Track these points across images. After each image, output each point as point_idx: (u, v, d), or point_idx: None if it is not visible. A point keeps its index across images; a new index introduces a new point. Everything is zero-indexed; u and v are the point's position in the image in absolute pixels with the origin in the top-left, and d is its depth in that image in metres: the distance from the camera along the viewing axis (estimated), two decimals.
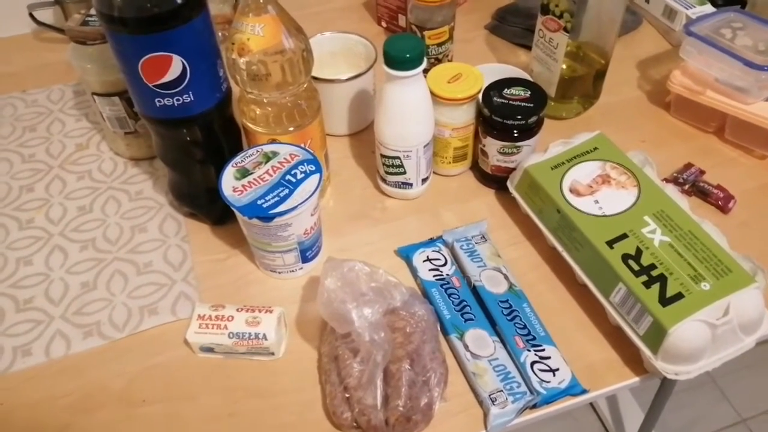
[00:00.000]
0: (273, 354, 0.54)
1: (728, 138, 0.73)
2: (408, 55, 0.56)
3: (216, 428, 0.51)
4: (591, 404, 1.36)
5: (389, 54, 0.56)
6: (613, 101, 0.80)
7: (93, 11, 0.66)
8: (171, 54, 0.50)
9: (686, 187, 0.68)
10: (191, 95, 0.53)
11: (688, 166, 0.70)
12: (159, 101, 0.53)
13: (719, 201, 0.66)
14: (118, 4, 0.48)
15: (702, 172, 0.69)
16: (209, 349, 0.54)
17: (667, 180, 0.68)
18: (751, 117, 0.69)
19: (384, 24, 0.93)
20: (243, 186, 0.54)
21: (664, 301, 0.50)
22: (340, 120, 0.74)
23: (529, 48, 0.87)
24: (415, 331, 0.51)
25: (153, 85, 0.52)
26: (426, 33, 0.78)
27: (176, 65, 0.51)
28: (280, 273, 0.60)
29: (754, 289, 0.50)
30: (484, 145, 0.66)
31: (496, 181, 0.68)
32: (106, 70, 0.65)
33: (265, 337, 0.53)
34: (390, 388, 0.49)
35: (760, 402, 1.37)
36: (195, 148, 0.59)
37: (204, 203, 0.64)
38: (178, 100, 0.53)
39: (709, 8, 0.87)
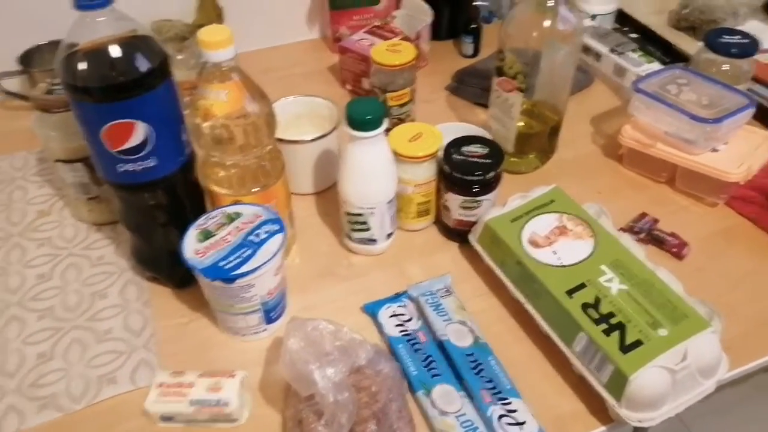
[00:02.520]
0: (236, 420, 0.53)
1: (679, 187, 0.76)
2: (369, 117, 0.58)
3: None
4: None
5: (351, 116, 0.58)
6: (569, 155, 0.83)
7: (56, 81, 0.67)
8: (134, 120, 0.51)
9: (642, 235, 0.70)
10: (154, 160, 0.54)
11: (643, 215, 0.73)
12: (121, 167, 0.53)
13: (674, 248, 0.68)
14: (82, 74, 0.49)
15: (656, 221, 0.72)
16: (169, 418, 0.53)
17: (623, 229, 0.70)
18: (699, 167, 0.72)
19: (348, 87, 0.96)
20: (205, 248, 0.54)
21: (624, 348, 0.50)
22: (306, 179, 0.75)
23: (487, 107, 0.91)
24: (380, 389, 0.50)
25: (115, 151, 0.52)
26: (388, 95, 0.81)
27: (139, 131, 0.52)
28: (243, 335, 0.59)
29: (709, 333, 0.51)
30: (446, 200, 0.67)
31: (459, 234, 0.69)
32: (69, 137, 0.65)
33: (226, 403, 0.51)
34: None
35: None
36: (158, 211, 0.59)
37: (166, 267, 0.64)
38: (140, 165, 0.54)
39: (656, 66, 0.92)
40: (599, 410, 0.54)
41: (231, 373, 0.53)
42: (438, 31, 1.04)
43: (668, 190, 0.77)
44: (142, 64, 0.50)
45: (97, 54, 0.49)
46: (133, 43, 0.50)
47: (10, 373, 0.58)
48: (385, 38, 0.92)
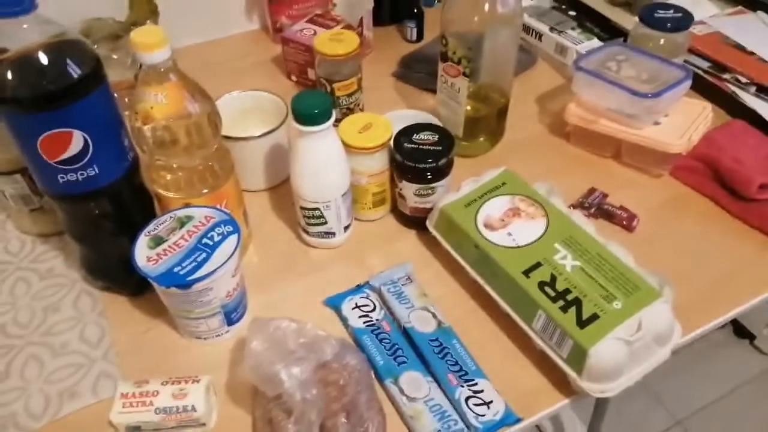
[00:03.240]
0: (204, 425, 0.52)
1: (625, 161, 0.79)
2: (316, 111, 0.57)
3: None
4: (536, 425, 1.38)
5: (298, 111, 0.57)
6: (518, 136, 0.84)
7: None
8: (70, 129, 0.49)
9: (592, 210, 0.72)
10: (95, 168, 0.52)
11: (592, 191, 0.75)
12: (62, 177, 0.52)
13: (623, 221, 0.70)
14: (11, 84, 0.47)
15: (605, 196, 0.74)
16: (136, 428, 0.52)
17: (573, 206, 0.72)
18: (643, 140, 0.74)
19: (294, 78, 0.95)
20: (158, 255, 0.53)
21: (581, 323, 0.52)
22: (257, 176, 0.74)
23: (434, 92, 0.91)
24: (348, 382, 0.51)
25: (54, 162, 0.50)
26: (335, 85, 0.80)
27: (77, 140, 0.50)
28: (206, 339, 0.59)
29: (661, 303, 0.53)
30: (400, 189, 0.67)
31: (415, 222, 0.69)
32: (4, 148, 0.62)
33: (194, 408, 0.51)
34: None
35: (692, 402, 1.44)
36: (105, 220, 0.58)
37: (119, 276, 0.62)
38: (82, 174, 0.52)
39: (596, 43, 0.94)
40: (562, 384, 0.56)
41: (195, 378, 0.53)
42: (380, 17, 1.03)
43: (615, 164, 0.79)
44: (75, 71, 0.48)
45: (24, 62, 0.47)
46: (62, 49, 0.48)
47: None
48: (327, 27, 0.91)
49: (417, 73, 0.95)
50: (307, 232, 0.67)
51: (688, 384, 1.47)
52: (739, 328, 1.57)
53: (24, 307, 0.63)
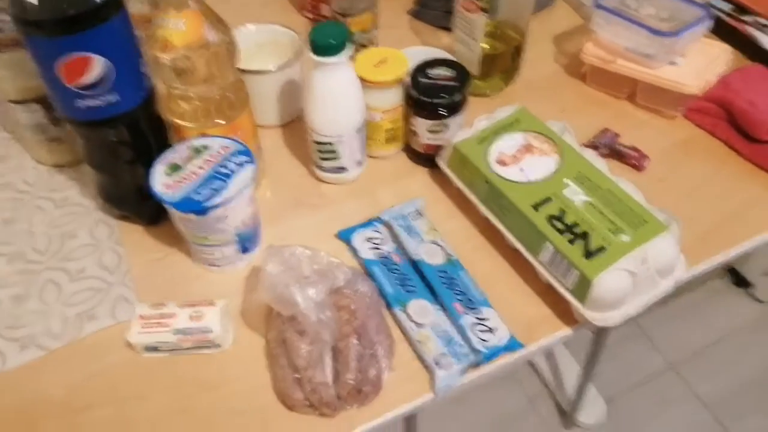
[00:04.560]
0: (219, 346, 0.55)
1: (640, 102, 0.78)
2: (333, 42, 0.57)
3: (168, 426, 0.51)
4: (531, 364, 1.42)
5: (315, 41, 0.57)
6: (533, 76, 0.83)
7: (4, 17, 0.63)
8: (90, 54, 0.49)
9: (604, 150, 0.72)
10: (115, 95, 0.53)
11: (605, 131, 0.74)
12: (81, 102, 0.52)
13: (634, 161, 0.71)
14: (33, 7, 0.47)
15: (617, 136, 0.74)
16: (154, 348, 0.54)
17: (585, 145, 0.71)
18: (659, 81, 0.73)
19: (308, 14, 0.93)
20: (175, 182, 0.54)
21: (588, 255, 0.53)
22: (271, 111, 0.74)
23: (450, 30, 0.90)
24: (359, 307, 0.52)
25: (73, 87, 0.51)
26: (350, 20, 0.79)
27: (96, 65, 0.50)
28: (220, 266, 0.60)
29: (667, 236, 0.54)
30: (413, 126, 0.68)
31: (427, 159, 0.70)
32: (21, 75, 0.63)
33: (209, 330, 0.53)
34: (339, 364, 0.50)
35: (685, 347, 1.47)
36: (122, 148, 0.58)
37: (135, 204, 0.63)
38: (101, 100, 0.52)
39: None
40: (565, 314, 0.57)
41: (211, 302, 0.54)
42: None
43: (629, 105, 0.79)
44: None
45: None
46: None
47: None
48: None
49: (432, 11, 0.93)
50: (320, 167, 0.68)
51: (683, 330, 1.50)
52: (737, 277, 1.58)
53: (41, 234, 0.65)
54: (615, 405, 1.36)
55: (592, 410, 1.32)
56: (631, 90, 0.78)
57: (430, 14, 0.94)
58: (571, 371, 1.37)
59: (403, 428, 0.92)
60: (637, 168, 0.71)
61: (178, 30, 0.52)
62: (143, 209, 0.63)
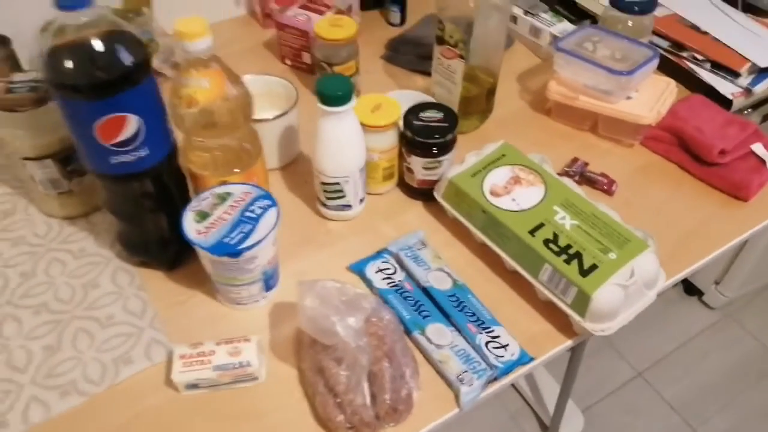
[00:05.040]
0: (256, 379, 0.58)
1: (602, 133, 0.87)
2: (340, 93, 0.63)
3: None
4: (513, 385, 1.49)
5: (323, 93, 0.63)
6: (503, 113, 0.91)
7: (15, 77, 0.66)
8: (126, 114, 0.53)
9: (576, 178, 0.80)
10: (146, 149, 0.56)
11: (575, 160, 0.83)
12: (115, 159, 0.56)
13: (604, 186, 0.79)
14: (71, 72, 0.50)
15: (586, 164, 0.82)
16: (194, 386, 0.57)
17: (560, 174, 0.80)
18: (618, 113, 0.83)
19: (288, 62, 0.99)
20: (206, 228, 0.58)
21: (583, 272, 0.60)
22: (271, 155, 0.79)
23: (423, 73, 0.98)
24: (386, 333, 0.57)
25: (110, 145, 0.54)
26: (335, 68, 0.86)
27: (131, 123, 0.54)
28: (246, 304, 0.64)
29: (649, 253, 0.61)
30: (409, 163, 0.74)
31: (422, 193, 0.76)
32: (37, 134, 0.66)
33: (248, 363, 0.56)
34: (375, 387, 0.55)
35: (649, 355, 1.57)
36: (148, 199, 0.62)
37: (156, 251, 0.66)
38: (134, 155, 0.56)
39: (567, 25, 1.02)
40: (564, 327, 0.64)
41: (246, 338, 0.58)
42: (365, 2, 1.08)
43: (592, 137, 0.88)
44: (129, 58, 0.52)
45: (83, 50, 0.51)
46: (116, 38, 0.52)
47: (20, 369, 0.59)
48: (320, 12, 0.96)
49: (405, 55, 1.01)
50: (325, 206, 0.73)
51: (645, 339, 1.60)
52: (689, 287, 1.71)
53: (63, 284, 0.67)
54: (591, 414, 1.45)
55: (571, 422, 1.39)
56: (592, 122, 0.88)
57: (403, 59, 1.01)
58: (548, 387, 1.45)
59: None
60: (607, 192, 0.79)
61: (202, 88, 0.57)
62: (164, 256, 0.67)
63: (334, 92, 0.63)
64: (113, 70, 0.51)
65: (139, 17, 0.89)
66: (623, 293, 0.59)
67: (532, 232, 0.64)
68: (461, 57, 0.79)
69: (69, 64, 0.50)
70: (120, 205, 0.63)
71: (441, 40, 0.80)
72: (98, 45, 0.51)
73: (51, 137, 0.66)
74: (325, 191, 0.71)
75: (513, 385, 1.49)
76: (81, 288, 0.66)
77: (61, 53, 0.50)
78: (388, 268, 0.67)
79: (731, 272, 1.56)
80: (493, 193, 0.68)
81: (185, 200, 0.65)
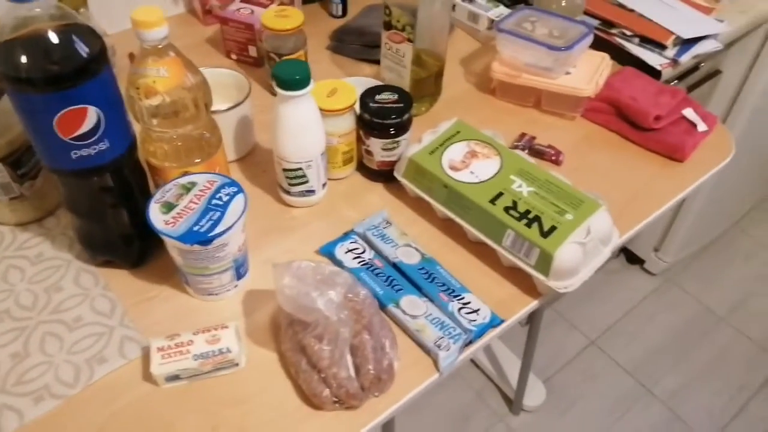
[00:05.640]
0: (237, 365, 0.58)
1: (545, 108, 0.91)
2: (298, 77, 0.64)
3: None
4: (472, 361, 1.53)
5: (282, 78, 0.63)
6: (450, 95, 0.94)
7: None
8: (85, 106, 0.52)
9: (525, 151, 0.84)
10: (106, 142, 0.56)
11: (523, 135, 0.86)
12: (75, 153, 0.55)
13: (552, 156, 0.83)
14: (27, 65, 0.49)
15: (533, 138, 0.86)
16: (174, 377, 0.57)
17: (511, 148, 0.83)
18: (559, 88, 0.87)
19: (234, 56, 0.99)
20: (173, 218, 0.58)
21: (544, 234, 0.63)
22: (228, 147, 0.78)
23: (369, 61, 0.99)
24: (363, 308, 0.58)
25: (69, 138, 0.53)
26: (284, 59, 0.86)
27: (91, 116, 0.53)
28: (217, 294, 0.64)
29: (603, 211, 0.65)
30: (368, 146, 0.75)
31: (382, 174, 0.78)
32: None
33: (228, 350, 0.57)
34: (357, 359, 0.56)
35: (599, 323, 1.65)
36: (109, 194, 0.61)
37: (120, 248, 0.65)
38: (94, 149, 0.55)
39: (503, 9, 1.06)
40: (529, 290, 0.67)
41: (223, 325, 0.58)
42: None
43: (535, 112, 0.92)
44: (86, 51, 0.51)
45: (38, 43, 0.50)
46: (72, 30, 0.51)
47: None
48: (262, 5, 0.96)
49: (350, 45, 1.02)
50: (288, 193, 0.73)
51: (595, 309, 1.68)
52: (630, 256, 1.80)
53: (23, 291, 0.64)
54: (551, 384, 1.50)
55: (533, 394, 1.44)
56: (536, 99, 0.92)
57: (348, 48, 1.02)
58: (509, 362, 1.49)
59: None
60: (555, 162, 0.83)
61: (161, 77, 0.57)
62: (128, 252, 0.65)
63: (293, 76, 0.64)
64: (71, 61, 0.50)
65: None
66: (582, 250, 0.63)
67: (492, 201, 0.67)
68: (409, 40, 0.81)
69: (25, 57, 0.49)
70: (81, 202, 0.61)
71: (389, 26, 0.82)
72: (54, 37, 0.50)
73: (0, 140, 0.64)
74: (287, 177, 0.71)
75: (475, 363, 1.53)
76: (43, 293, 0.64)
77: (17, 46, 0.49)
78: (357, 248, 0.68)
79: (668, 238, 1.66)
80: (452, 168, 0.71)
81: (146, 194, 0.64)
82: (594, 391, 1.51)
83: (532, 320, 1.31)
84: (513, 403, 1.45)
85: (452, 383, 1.49)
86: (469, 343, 0.61)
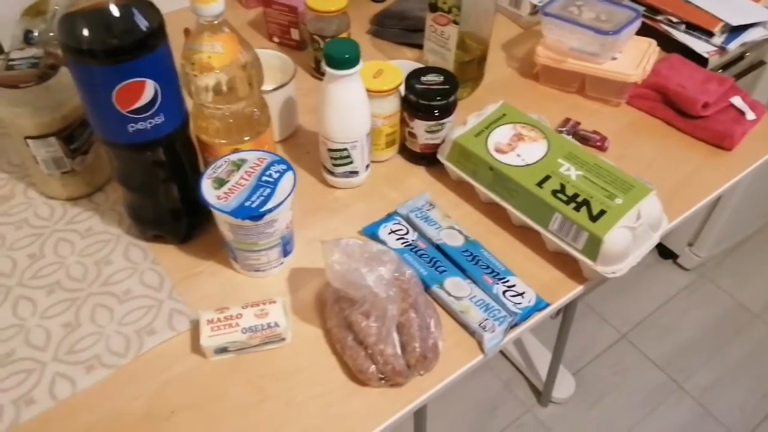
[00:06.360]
0: (284, 339, 0.59)
1: (589, 94, 0.90)
2: (347, 56, 0.64)
3: (253, 416, 0.55)
4: (501, 351, 1.52)
5: (333, 56, 0.63)
6: (493, 80, 0.93)
7: (14, 54, 0.65)
8: (144, 79, 0.53)
9: (570, 136, 0.83)
10: (162, 116, 0.56)
11: (567, 120, 0.85)
12: (132, 126, 0.55)
13: (598, 142, 0.82)
14: (88, 38, 0.50)
15: (578, 123, 0.85)
16: (223, 350, 0.58)
17: None
18: (605, 73, 0.86)
19: (276, 39, 0.99)
20: (225, 193, 0.58)
21: (593, 218, 0.62)
22: (273, 127, 0.78)
23: (410, 45, 0.99)
24: (410, 287, 0.59)
25: (127, 111, 0.54)
26: (327, 41, 0.86)
27: (149, 89, 0.54)
28: (264, 271, 0.64)
29: (653, 196, 0.64)
30: (412, 128, 0.75)
31: (424, 158, 0.77)
32: (39, 111, 0.64)
33: (276, 324, 0.57)
34: (404, 337, 0.56)
35: (632, 317, 1.63)
36: (160, 168, 0.61)
37: (169, 223, 0.66)
38: (150, 122, 0.56)
39: None
40: (574, 274, 0.66)
41: (271, 300, 0.59)
42: None
43: (579, 98, 0.91)
44: (147, 24, 0.52)
45: (100, 16, 0.50)
46: (133, 4, 0.52)
47: (41, 347, 0.59)
48: None
49: (391, 29, 1.02)
50: (332, 173, 0.74)
51: (626, 303, 1.66)
52: (663, 250, 1.77)
53: (73, 263, 0.66)
54: (581, 377, 1.49)
55: (562, 386, 1.44)
56: (580, 84, 0.90)
57: (389, 32, 1.02)
58: (538, 353, 1.48)
59: (414, 425, 0.98)
60: (601, 148, 0.82)
61: (216, 53, 0.57)
62: (177, 228, 0.66)
63: (343, 55, 0.64)
64: (132, 35, 0.51)
65: None
66: (631, 235, 0.62)
67: (539, 184, 0.66)
68: (455, 23, 0.80)
69: (87, 29, 0.50)
70: (133, 176, 0.62)
71: (434, 7, 0.81)
72: (116, 10, 0.50)
73: (54, 115, 0.65)
74: (332, 158, 0.71)
75: (504, 355, 1.53)
76: (93, 265, 0.65)
77: (79, 18, 0.50)
78: (400, 229, 0.69)
79: (703, 233, 1.63)
80: (498, 150, 0.70)
81: (196, 170, 0.65)
82: (624, 385, 1.49)
83: (565, 312, 1.30)
84: (542, 394, 1.44)
85: (481, 373, 1.49)
86: (515, 325, 0.61)
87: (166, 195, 0.64)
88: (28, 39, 0.82)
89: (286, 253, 0.65)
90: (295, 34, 0.96)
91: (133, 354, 0.58)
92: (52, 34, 0.82)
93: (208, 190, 0.59)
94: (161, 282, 0.64)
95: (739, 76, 1.22)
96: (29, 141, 0.66)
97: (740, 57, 1.14)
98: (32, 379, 0.56)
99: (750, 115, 0.84)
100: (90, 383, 0.56)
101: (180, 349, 0.59)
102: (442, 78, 0.74)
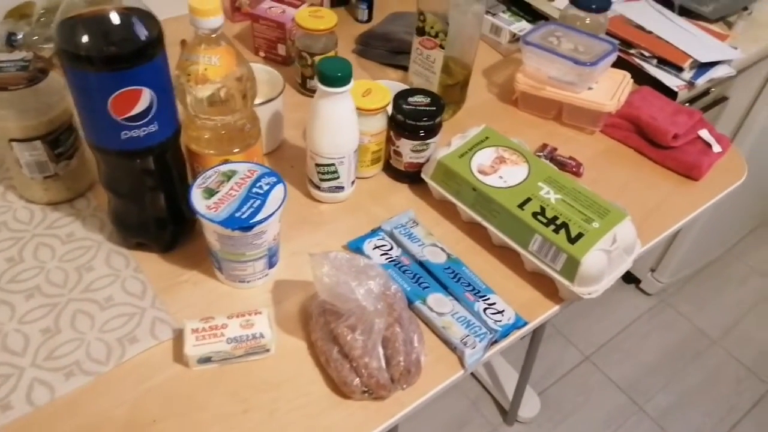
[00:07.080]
0: (268, 350, 0.59)
1: (565, 121, 0.93)
2: (340, 74, 0.65)
3: (236, 426, 0.55)
4: (472, 373, 1.54)
5: (325, 74, 0.65)
6: (473, 104, 0.96)
7: (1, 56, 0.65)
8: (141, 87, 0.53)
9: (547, 161, 0.86)
10: (156, 125, 0.57)
11: (545, 145, 0.89)
12: (125, 133, 0.55)
13: (573, 168, 0.85)
14: (87, 44, 0.50)
15: (555, 149, 0.88)
16: (206, 360, 0.58)
17: None
18: (580, 102, 0.89)
19: (262, 54, 1.00)
20: (215, 203, 0.59)
21: (571, 240, 0.65)
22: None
23: (394, 66, 1.01)
24: (394, 301, 0.60)
25: (121, 119, 0.54)
26: (316, 58, 0.88)
27: (145, 98, 0.54)
28: (248, 282, 0.65)
29: (628, 221, 0.67)
30: (397, 147, 0.77)
31: (408, 176, 0.79)
32: (26, 114, 0.64)
33: (262, 335, 0.57)
34: (389, 350, 0.57)
35: (595, 340, 1.67)
36: (149, 176, 0.62)
37: (154, 231, 0.66)
38: (143, 130, 0.56)
39: (525, 24, 1.09)
40: (551, 294, 0.69)
41: (257, 311, 0.59)
42: None
43: (556, 125, 0.94)
44: (146, 33, 0.52)
45: (100, 23, 0.51)
46: (131, 13, 0.52)
47: (18, 353, 0.58)
48: (293, 5, 0.98)
49: (376, 49, 1.04)
50: (318, 188, 0.75)
51: (591, 326, 1.70)
52: (626, 275, 1.83)
53: (54, 269, 0.65)
54: (546, 397, 1.52)
55: (528, 405, 1.46)
56: (557, 112, 0.94)
57: (374, 53, 1.04)
58: (506, 373, 1.51)
59: None
60: (576, 174, 0.85)
61: (213, 65, 0.58)
62: (161, 236, 0.66)
63: (336, 73, 0.65)
64: (130, 43, 0.51)
65: None
66: (607, 258, 0.64)
67: (521, 206, 0.68)
68: (441, 47, 0.83)
69: (86, 36, 0.50)
70: (121, 183, 0.62)
71: (422, 31, 0.84)
72: (116, 18, 0.51)
73: (41, 118, 0.65)
74: (319, 173, 0.73)
75: (472, 374, 1.54)
76: (74, 271, 0.65)
77: (78, 25, 0.50)
78: (384, 245, 0.70)
79: (665, 260, 1.68)
80: (481, 172, 0.72)
81: (184, 180, 0.65)
82: (587, 406, 1.53)
83: (533, 333, 1.32)
84: (508, 413, 1.46)
85: (449, 391, 1.49)
86: (494, 342, 0.63)
87: (152, 203, 0.64)
88: (11, 41, 0.81)
89: (271, 264, 0.65)
90: (281, 49, 0.97)
91: (115, 362, 0.58)
92: (36, 37, 0.81)
93: (197, 199, 0.59)
94: (144, 290, 0.64)
95: (704, 110, 1.28)
96: (13, 144, 0.66)
97: (706, 92, 1.20)
98: (9, 384, 0.55)
99: (716, 148, 0.88)
100: (69, 390, 0.55)
101: (162, 358, 0.59)
102: (428, 100, 0.76)
